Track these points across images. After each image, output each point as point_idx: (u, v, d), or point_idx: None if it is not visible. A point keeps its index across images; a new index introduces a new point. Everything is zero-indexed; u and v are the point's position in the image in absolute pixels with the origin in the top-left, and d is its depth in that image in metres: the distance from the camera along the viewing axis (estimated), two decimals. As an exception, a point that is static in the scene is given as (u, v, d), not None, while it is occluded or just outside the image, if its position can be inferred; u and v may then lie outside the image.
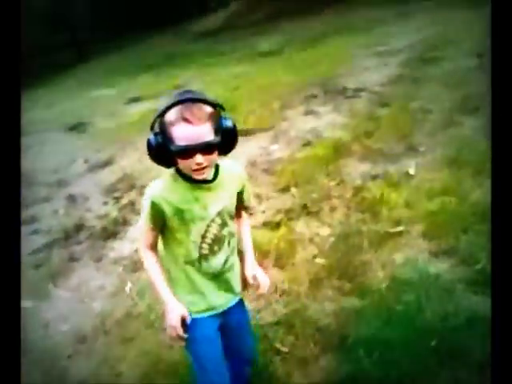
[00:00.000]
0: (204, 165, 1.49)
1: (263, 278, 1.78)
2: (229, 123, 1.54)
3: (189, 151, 1.46)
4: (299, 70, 7.73)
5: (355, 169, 4.07)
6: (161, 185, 1.59)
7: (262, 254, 3.13)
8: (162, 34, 17.86)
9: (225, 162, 1.67)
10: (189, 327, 1.65)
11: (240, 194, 1.73)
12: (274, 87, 7.04)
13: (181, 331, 1.62)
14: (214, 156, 1.53)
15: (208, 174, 1.56)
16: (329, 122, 5.23)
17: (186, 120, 1.43)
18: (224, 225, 1.65)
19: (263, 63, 9.33)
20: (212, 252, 1.64)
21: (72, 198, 4.89)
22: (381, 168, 3.98)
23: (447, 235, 2.94)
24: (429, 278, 2.63)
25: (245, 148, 5.12)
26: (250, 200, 1.82)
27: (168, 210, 1.56)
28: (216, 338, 1.71)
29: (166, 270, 1.68)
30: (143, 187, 1.87)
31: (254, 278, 1.76)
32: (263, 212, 3.71)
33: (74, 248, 3.81)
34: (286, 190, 3.96)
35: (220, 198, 1.63)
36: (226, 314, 1.74)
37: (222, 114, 1.56)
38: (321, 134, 4.95)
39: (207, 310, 1.68)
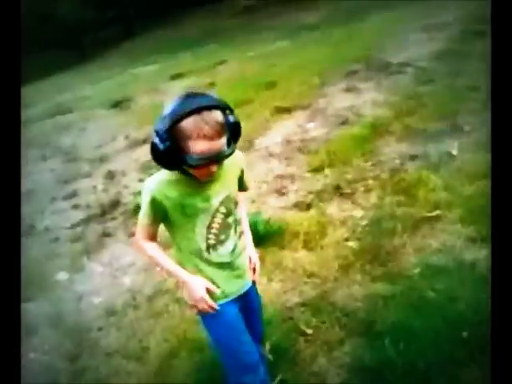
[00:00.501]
0: (215, 171, 1.51)
1: (257, 264, 1.79)
2: (233, 119, 1.50)
3: (206, 163, 1.45)
4: (341, 45, 7.50)
5: (393, 149, 3.92)
6: (160, 180, 1.55)
7: (291, 235, 3.10)
8: (205, 10, 17.77)
9: None
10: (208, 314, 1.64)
11: (239, 179, 1.71)
12: (314, 63, 6.87)
13: (210, 300, 1.59)
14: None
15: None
16: (369, 99, 5.05)
17: (205, 137, 1.40)
18: (229, 213, 1.63)
19: (304, 39, 9.12)
20: (219, 241, 1.62)
21: (111, 174, 4.99)
22: (421, 148, 3.81)
23: (487, 221, 2.78)
24: (464, 266, 2.51)
25: (281, 126, 5.05)
26: (247, 182, 1.79)
27: (169, 206, 1.54)
28: (237, 320, 1.69)
29: (176, 262, 1.66)
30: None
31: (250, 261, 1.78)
32: (295, 192, 3.64)
33: (109, 224, 3.90)
34: (319, 170, 3.87)
35: (222, 188, 1.60)
36: (240, 297, 1.72)
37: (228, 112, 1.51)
38: (360, 112, 4.79)
39: (221, 298, 1.65)
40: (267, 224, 3.19)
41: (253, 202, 3.62)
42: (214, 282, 1.63)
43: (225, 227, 1.62)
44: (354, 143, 4.10)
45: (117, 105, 8.21)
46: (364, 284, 2.61)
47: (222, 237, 1.62)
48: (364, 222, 3.12)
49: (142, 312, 2.82)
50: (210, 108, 1.41)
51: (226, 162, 1.57)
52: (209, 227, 1.59)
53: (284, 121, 5.13)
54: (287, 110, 5.41)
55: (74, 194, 4.75)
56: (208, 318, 1.66)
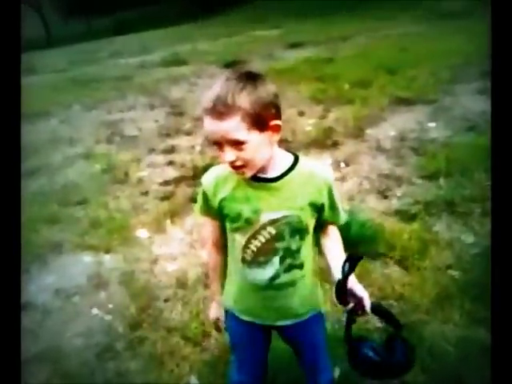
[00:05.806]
0: (238, 164, 1.22)
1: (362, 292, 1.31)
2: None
3: (216, 144, 1.22)
4: (483, 39, 6.69)
5: (526, 170, 3.37)
6: (214, 175, 1.37)
7: (386, 246, 2.77)
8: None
9: (307, 162, 1.34)
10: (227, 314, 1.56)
11: (319, 207, 1.35)
12: (447, 54, 6.21)
13: (219, 324, 1.62)
14: (253, 153, 1.21)
15: (250, 174, 1.26)
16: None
17: (208, 112, 1.18)
18: (279, 238, 1.32)
19: (442, 27, 8.31)
20: (256, 262, 1.36)
21: (210, 137, 4.88)
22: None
23: None
24: None
25: (398, 119, 4.61)
26: (338, 217, 1.42)
27: (216, 204, 1.36)
28: (250, 339, 1.53)
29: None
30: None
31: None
32: (399, 198, 3.26)
33: (198, 189, 3.79)
34: (433, 177, 3.44)
35: (281, 205, 1.30)
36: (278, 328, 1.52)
37: None
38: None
39: (248, 315, 1.48)
40: (362, 227, 2.88)
41: (350, 199, 3.30)
42: (237, 292, 1.47)
43: (268, 251, 1.34)
44: (480, 155, 3.58)
45: (230, 65, 8.12)
46: (461, 325, 2.24)
47: (261, 259, 1.35)
48: (474, 251, 2.70)
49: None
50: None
51: (302, 176, 1.31)
52: (248, 241, 1.34)
53: (402, 114, 4.68)
54: (407, 102, 4.94)
55: (171, 150, 4.73)
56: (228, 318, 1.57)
